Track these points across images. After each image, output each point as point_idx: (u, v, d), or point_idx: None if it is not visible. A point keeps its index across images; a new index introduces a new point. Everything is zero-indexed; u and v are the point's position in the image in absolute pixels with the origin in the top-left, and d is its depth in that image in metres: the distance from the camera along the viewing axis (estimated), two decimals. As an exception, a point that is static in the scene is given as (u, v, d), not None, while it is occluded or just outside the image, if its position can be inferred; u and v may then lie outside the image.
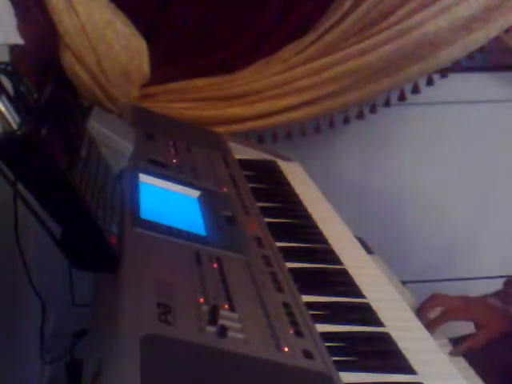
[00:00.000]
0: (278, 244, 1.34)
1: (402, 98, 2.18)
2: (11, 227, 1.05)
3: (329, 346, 1.03)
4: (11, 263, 1.27)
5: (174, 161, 1.50)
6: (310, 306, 1.15)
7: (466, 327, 1.35)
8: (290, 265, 1.27)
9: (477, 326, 1.34)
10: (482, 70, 2.30)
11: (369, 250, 1.55)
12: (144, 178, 1.34)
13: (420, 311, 1.31)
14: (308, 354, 0.95)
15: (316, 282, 1.27)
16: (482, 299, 1.41)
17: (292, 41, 2.04)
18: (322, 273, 1.32)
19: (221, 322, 0.92)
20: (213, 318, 0.92)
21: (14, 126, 0.98)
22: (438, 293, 1.37)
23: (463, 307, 1.35)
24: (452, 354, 1.25)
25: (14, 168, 0.96)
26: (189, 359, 0.84)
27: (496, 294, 1.43)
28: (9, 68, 1.11)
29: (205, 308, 0.94)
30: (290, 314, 1.04)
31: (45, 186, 0.98)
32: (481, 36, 2.04)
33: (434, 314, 1.32)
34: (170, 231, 1.15)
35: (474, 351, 1.28)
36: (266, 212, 1.48)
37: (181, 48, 2.05)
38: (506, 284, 1.49)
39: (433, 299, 1.34)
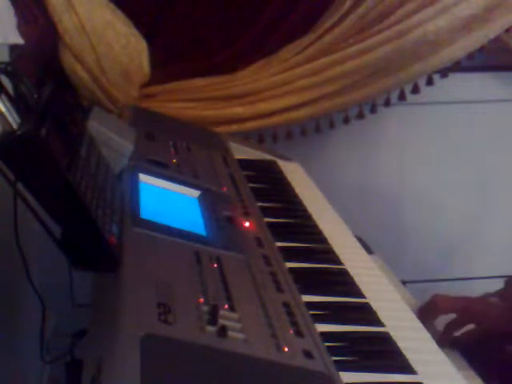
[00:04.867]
0: (278, 244, 1.34)
1: (402, 97, 2.18)
2: (11, 227, 1.05)
3: (329, 346, 1.03)
4: (11, 263, 1.27)
5: (174, 161, 1.50)
6: (310, 305, 1.14)
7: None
8: (289, 265, 1.27)
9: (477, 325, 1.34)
10: (482, 69, 2.30)
11: (369, 250, 1.55)
12: (144, 178, 1.34)
13: (421, 318, 1.29)
14: (308, 354, 0.95)
15: (316, 282, 1.27)
16: (483, 300, 1.40)
17: (292, 41, 2.04)
18: (322, 273, 1.32)
19: (221, 321, 0.92)
20: (213, 318, 0.92)
21: (14, 126, 0.98)
22: (439, 295, 1.35)
23: (463, 313, 1.33)
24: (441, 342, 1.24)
25: (13, 168, 0.96)
26: (189, 359, 0.84)
27: (497, 293, 1.43)
28: (9, 68, 1.11)
29: (205, 308, 0.94)
30: (290, 314, 1.04)
31: (45, 186, 0.98)
32: (481, 36, 2.04)
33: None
34: (169, 231, 1.15)
35: (471, 348, 1.28)
36: (266, 212, 1.48)
37: (181, 48, 2.05)
38: (507, 283, 1.48)
39: (432, 307, 1.32)
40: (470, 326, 1.30)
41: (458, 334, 1.31)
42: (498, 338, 1.32)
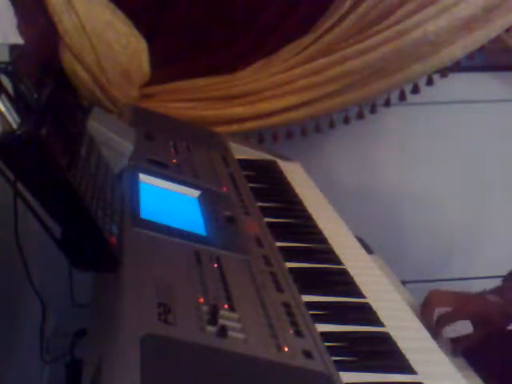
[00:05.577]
0: (278, 244, 1.34)
1: (402, 97, 2.18)
2: (11, 227, 1.05)
3: (329, 346, 1.03)
4: (11, 263, 1.27)
5: (174, 161, 1.50)
6: (310, 305, 1.15)
7: (465, 326, 1.35)
8: (290, 265, 1.27)
9: (474, 323, 1.34)
10: (482, 69, 2.30)
11: (369, 250, 1.55)
12: (144, 178, 1.34)
13: (421, 314, 1.30)
14: (308, 354, 0.95)
15: (316, 281, 1.27)
16: (481, 296, 1.40)
17: (292, 41, 2.04)
18: (322, 273, 1.32)
19: (221, 322, 0.92)
20: (213, 318, 0.92)
21: (14, 126, 0.98)
22: (436, 290, 1.36)
23: (460, 308, 1.34)
24: (452, 353, 1.24)
25: (13, 168, 0.96)
26: (189, 359, 0.84)
27: (495, 290, 1.43)
28: (9, 68, 1.11)
29: (205, 308, 0.94)
30: (290, 314, 1.04)
31: (45, 186, 0.98)
32: (481, 36, 2.04)
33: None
34: (169, 231, 1.15)
35: (471, 349, 1.28)
36: (266, 212, 1.48)
37: (181, 48, 2.05)
38: (505, 279, 1.49)
39: (430, 301, 1.33)
40: (465, 322, 1.30)
41: (457, 336, 1.31)
42: (498, 338, 1.32)
